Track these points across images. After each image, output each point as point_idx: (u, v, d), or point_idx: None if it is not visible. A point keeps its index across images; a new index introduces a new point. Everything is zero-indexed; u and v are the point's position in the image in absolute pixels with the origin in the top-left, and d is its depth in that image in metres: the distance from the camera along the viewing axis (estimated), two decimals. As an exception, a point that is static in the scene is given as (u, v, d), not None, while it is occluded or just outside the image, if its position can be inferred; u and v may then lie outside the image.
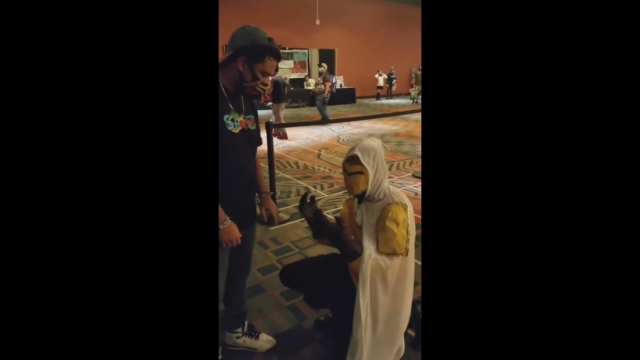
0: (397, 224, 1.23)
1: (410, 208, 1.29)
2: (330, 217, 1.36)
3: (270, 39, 1.18)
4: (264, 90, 1.24)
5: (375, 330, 1.30)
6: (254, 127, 1.32)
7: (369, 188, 1.27)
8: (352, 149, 1.28)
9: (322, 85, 7.18)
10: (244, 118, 1.26)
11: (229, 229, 1.18)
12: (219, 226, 1.16)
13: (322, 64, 8.10)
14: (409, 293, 1.32)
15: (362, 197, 1.31)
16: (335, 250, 1.37)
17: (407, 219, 1.26)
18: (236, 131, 1.22)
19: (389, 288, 1.27)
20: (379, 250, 1.25)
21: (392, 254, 1.24)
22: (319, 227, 1.28)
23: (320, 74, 7.52)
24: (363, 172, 1.25)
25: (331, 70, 13.25)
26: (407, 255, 1.27)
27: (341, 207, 1.54)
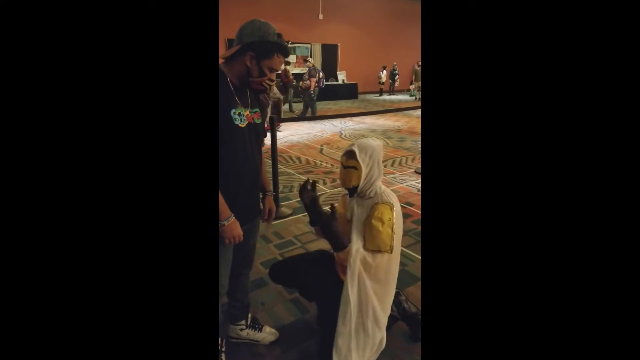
0: (383, 222, 1.27)
1: (397, 207, 1.34)
2: (326, 208, 1.42)
3: (279, 36, 1.18)
4: (270, 85, 1.25)
5: (361, 323, 1.34)
6: (259, 121, 1.32)
7: (361, 184, 1.31)
8: (352, 144, 1.32)
9: (308, 81, 7.01)
10: (250, 112, 1.26)
11: (233, 225, 1.19)
12: (224, 222, 1.17)
13: (309, 58, 7.93)
14: (392, 287, 1.38)
15: (353, 192, 1.36)
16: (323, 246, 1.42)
17: (393, 218, 1.30)
18: (243, 125, 1.22)
19: (375, 283, 1.33)
20: (365, 247, 1.30)
21: (376, 251, 1.29)
22: (314, 214, 1.33)
23: (307, 69, 7.33)
24: (357, 168, 1.29)
25: (333, 66, 13.22)
26: (391, 252, 1.31)
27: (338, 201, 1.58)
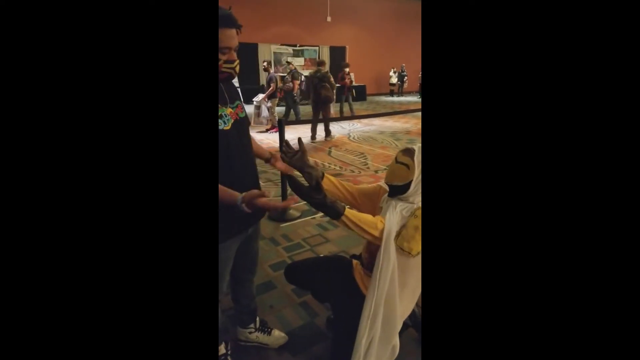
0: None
1: None
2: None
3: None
4: (232, 67, 1.03)
5: (380, 329, 1.31)
6: (243, 114, 1.17)
7: (411, 188, 1.24)
8: (416, 144, 1.29)
9: (291, 83, 6.87)
10: (232, 108, 1.11)
11: (251, 195, 1.00)
12: (241, 204, 1.00)
13: (290, 60, 7.84)
14: (415, 292, 1.34)
15: (394, 191, 1.28)
16: (339, 250, 1.38)
17: None
18: (228, 127, 1.08)
19: (401, 284, 1.28)
20: (396, 240, 1.22)
21: (404, 250, 1.22)
22: (295, 187, 1.17)
23: (289, 71, 7.17)
24: (409, 167, 1.23)
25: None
26: (416, 256, 1.25)
27: (368, 185, 1.51)
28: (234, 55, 1.02)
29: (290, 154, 1.34)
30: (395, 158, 1.29)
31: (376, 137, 6.49)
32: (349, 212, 1.21)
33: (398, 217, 1.25)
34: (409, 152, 1.26)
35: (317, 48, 12.90)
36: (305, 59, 12.75)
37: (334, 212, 1.19)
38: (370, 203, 1.45)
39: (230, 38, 0.98)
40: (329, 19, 12.32)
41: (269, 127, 6.80)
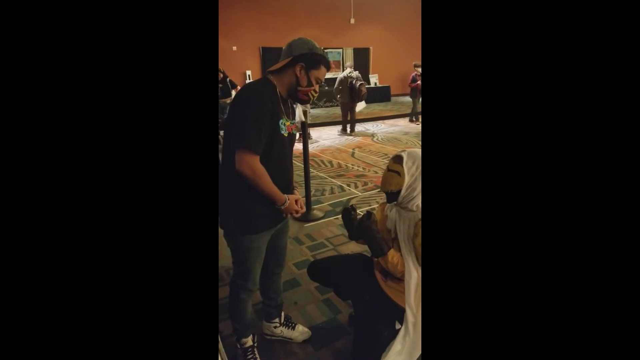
0: None
1: None
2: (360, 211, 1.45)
3: (323, 50, 1.32)
4: (314, 96, 1.36)
5: (411, 339, 1.34)
6: (295, 132, 1.42)
7: (403, 192, 1.29)
8: (403, 150, 1.34)
9: None
10: (291, 123, 1.37)
11: (290, 205, 1.33)
12: (281, 206, 1.31)
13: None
14: None
15: (391, 197, 1.34)
16: (362, 249, 1.44)
17: None
18: (286, 135, 1.32)
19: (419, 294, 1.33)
20: (419, 262, 1.30)
21: None
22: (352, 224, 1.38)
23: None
24: (400, 174, 1.28)
25: (366, 69, 13.19)
26: None
27: (376, 207, 1.60)
28: (318, 87, 1.37)
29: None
30: (387, 166, 1.35)
31: (400, 137, 6.45)
32: (390, 254, 1.34)
33: (405, 225, 1.34)
34: (398, 159, 1.31)
35: (340, 50, 12.94)
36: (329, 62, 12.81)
37: (379, 250, 1.34)
38: (384, 226, 1.52)
39: (324, 75, 1.35)
40: (352, 20, 12.34)
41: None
